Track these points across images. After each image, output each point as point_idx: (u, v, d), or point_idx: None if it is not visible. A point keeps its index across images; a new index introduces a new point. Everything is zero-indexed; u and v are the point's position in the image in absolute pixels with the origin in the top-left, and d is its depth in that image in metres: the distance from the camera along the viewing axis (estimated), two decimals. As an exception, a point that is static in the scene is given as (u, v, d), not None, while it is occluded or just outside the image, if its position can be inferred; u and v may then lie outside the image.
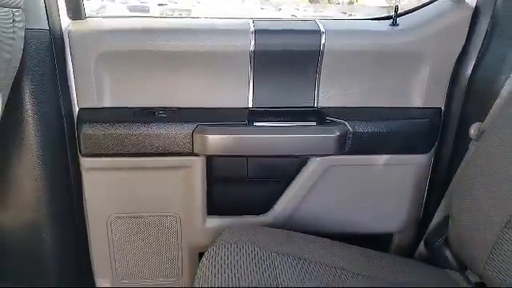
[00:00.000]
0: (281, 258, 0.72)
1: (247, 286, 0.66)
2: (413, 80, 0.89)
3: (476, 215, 0.70)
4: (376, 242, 0.91)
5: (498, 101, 0.77)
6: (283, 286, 0.67)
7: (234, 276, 0.67)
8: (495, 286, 0.66)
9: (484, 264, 0.67)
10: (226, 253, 0.72)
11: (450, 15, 0.86)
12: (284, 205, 0.92)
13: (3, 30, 0.58)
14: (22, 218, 0.86)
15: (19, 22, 0.63)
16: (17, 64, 0.67)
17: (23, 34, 0.66)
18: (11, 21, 0.60)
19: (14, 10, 0.60)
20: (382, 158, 0.90)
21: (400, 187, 0.94)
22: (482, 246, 0.68)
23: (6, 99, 0.69)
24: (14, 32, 0.61)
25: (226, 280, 0.66)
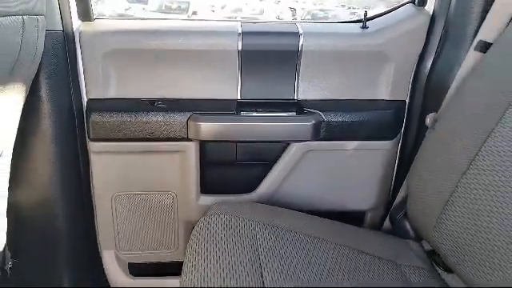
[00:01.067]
0: (263, 228, 0.85)
1: (231, 251, 0.77)
2: (380, 76, 1.02)
3: (428, 190, 0.84)
4: (350, 218, 1.04)
5: (449, 94, 0.90)
6: (264, 252, 0.79)
7: (220, 242, 0.79)
8: (442, 252, 0.79)
9: (432, 232, 0.81)
10: (214, 224, 0.84)
11: (412, 21, 0.99)
12: (268, 185, 1.05)
13: (29, 34, 0.70)
14: (36, 195, 0.97)
15: (42, 26, 0.75)
16: (38, 60, 0.79)
17: (44, 36, 0.78)
18: (36, 26, 0.72)
19: (38, 16, 0.72)
20: (353, 144, 1.03)
21: (370, 170, 1.07)
22: (431, 216, 0.81)
23: (28, 90, 0.81)
24: (37, 36, 0.73)
25: (214, 248, 0.77)
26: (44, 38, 0.78)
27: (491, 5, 0.85)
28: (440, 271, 0.87)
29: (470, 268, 0.69)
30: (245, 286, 0.68)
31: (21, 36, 0.67)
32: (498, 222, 0.65)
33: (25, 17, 0.67)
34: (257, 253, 0.77)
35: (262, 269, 0.73)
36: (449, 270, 0.84)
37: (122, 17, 1.10)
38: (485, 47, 0.84)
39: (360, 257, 0.83)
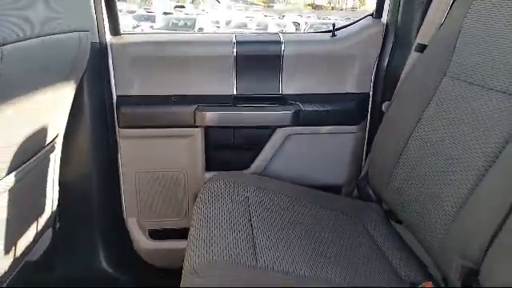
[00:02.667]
0: (254, 190, 1.09)
1: (227, 212, 0.98)
2: (347, 74, 1.27)
3: (381, 158, 1.09)
4: (328, 192, 1.29)
5: (398, 85, 1.16)
6: (254, 210, 1.02)
7: (217, 204, 0.99)
8: (393, 207, 1.03)
9: (385, 191, 1.05)
10: (214, 189, 1.08)
11: (370, 29, 1.25)
12: (259, 162, 1.30)
13: (83, 46, 0.98)
14: (78, 170, 1.24)
15: (89, 39, 1.02)
16: (85, 65, 1.06)
17: (89, 47, 1.05)
18: (86, 40, 0.99)
19: (86, 32, 1.00)
20: (327, 129, 1.28)
21: (342, 150, 1.32)
22: (384, 179, 1.05)
23: (76, 87, 1.08)
24: (86, 47, 1.00)
25: (213, 210, 0.97)
26: (89, 48, 1.06)
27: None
28: (394, 224, 1.10)
29: (415, 219, 0.90)
30: (238, 240, 0.89)
31: (78, 47, 0.95)
32: (436, 180, 0.86)
33: (81, 33, 0.94)
34: (248, 210, 1.01)
35: (252, 223, 0.96)
36: (400, 222, 1.08)
37: (142, 32, 1.37)
38: (422, 48, 1.10)
39: (333, 214, 1.07)
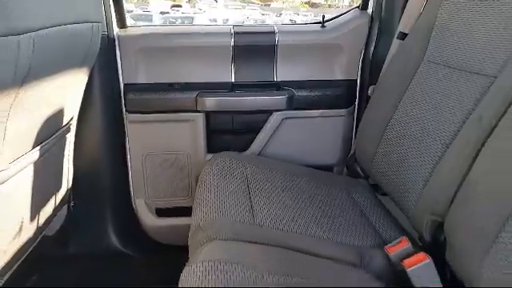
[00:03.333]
0: (252, 167, 1.19)
1: (227, 188, 1.08)
2: (336, 62, 1.38)
3: (366, 136, 1.19)
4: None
5: (382, 70, 1.26)
6: (253, 184, 1.13)
7: (218, 181, 1.09)
8: (378, 181, 1.13)
9: (371, 167, 1.15)
10: (215, 168, 1.18)
11: (357, 20, 1.36)
12: (256, 145, 1.41)
13: (94, 36, 1.08)
14: (89, 153, 1.34)
15: (97, 31, 1.12)
16: (96, 54, 1.17)
17: (100, 38, 1.16)
18: (97, 30, 1.10)
19: (99, 24, 1.10)
20: (319, 112, 1.39)
21: (333, 132, 1.43)
22: (369, 155, 1.16)
23: (88, 75, 1.18)
24: (98, 37, 1.11)
25: (214, 187, 1.06)
26: (100, 39, 1.16)
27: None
28: (379, 196, 1.21)
29: (395, 188, 1.01)
30: (237, 204, 0.99)
31: (91, 37, 1.05)
32: (412, 152, 0.96)
33: (94, 24, 1.05)
34: (246, 183, 1.12)
35: (249, 191, 1.07)
36: (385, 195, 1.18)
37: (147, 25, 1.48)
38: (403, 36, 1.21)
39: (325, 187, 1.17)
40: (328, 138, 1.43)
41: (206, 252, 0.74)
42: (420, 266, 0.80)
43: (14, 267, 1.00)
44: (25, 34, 0.71)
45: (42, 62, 0.81)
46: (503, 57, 0.81)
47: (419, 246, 0.88)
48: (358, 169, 1.30)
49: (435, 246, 0.82)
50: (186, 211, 1.44)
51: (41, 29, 0.77)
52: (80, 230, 1.40)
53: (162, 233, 1.47)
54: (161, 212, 1.47)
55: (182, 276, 0.71)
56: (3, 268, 0.92)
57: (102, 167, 1.37)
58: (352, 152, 1.37)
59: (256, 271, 0.70)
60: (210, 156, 1.40)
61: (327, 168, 1.47)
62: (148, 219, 1.46)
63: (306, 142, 1.43)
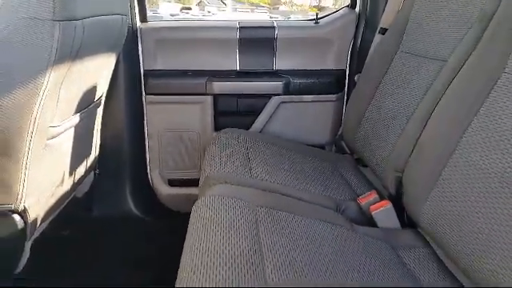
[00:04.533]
0: (252, 141, 1.40)
1: (229, 159, 1.28)
2: (327, 53, 1.59)
3: (351, 117, 1.40)
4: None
5: (366, 61, 1.47)
6: (253, 155, 1.33)
7: (221, 153, 1.29)
8: (359, 154, 1.33)
9: (353, 141, 1.36)
10: (219, 142, 1.38)
11: (346, 18, 1.57)
12: (257, 125, 1.62)
13: (123, 27, 1.30)
14: (113, 129, 1.56)
15: (125, 23, 1.34)
16: (122, 43, 1.39)
17: (126, 29, 1.38)
18: (125, 22, 1.32)
19: (126, 16, 1.32)
20: (311, 97, 1.59)
21: (324, 115, 1.63)
22: (352, 133, 1.36)
23: (114, 63, 1.40)
24: (120, 30, 1.32)
25: (217, 158, 1.24)
26: (126, 30, 1.38)
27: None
28: (361, 168, 1.41)
29: (370, 156, 1.21)
30: (237, 166, 1.20)
31: (120, 27, 1.27)
32: (383, 126, 1.17)
33: (123, 16, 1.27)
34: (247, 153, 1.32)
35: (249, 157, 1.27)
36: (365, 166, 1.38)
37: (164, 20, 1.70)
38: (384, 31, 1.41)
39: (315, 160, 1.36)
40: (320, 120, 1.64)
41: (212, 191, 0.95)
42: (382, 210, 1.00)
43: (54, 215, 1.22)
44: (78, 21, 0.93)
45: (87, 44, 1.03)
46: (453, 42, 1.01)
47: (385, 197, 1.08)
48: (344, 146, 1.50)
49: (396, 196, 1.02)
50: (194, 182, 1.64)
51: (88, 17, 0.98)
52: (102, 195, 1.61)
53: (173, 201, 1.68)
54: (173, 182, 1.68)
55: (194, 207, 0.92)
56: (47, 211, 1.13)
57: (123, 141, 1.59)
58: (339, 132, 1.57)
59: (250, 204, 0.90)
60: (216, 133, 1.61)
61: (319, 147, 1.67)
62: (161, 188, 1.67)
63: (300, 123, 1.63)
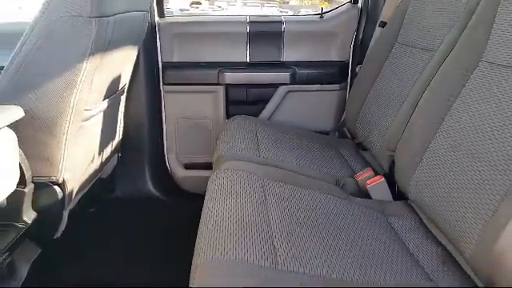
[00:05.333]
0: (261, 126, 1.53)
1: (239, 142, 1.42)
2: (331, 46, 1.71)
3: (353, 104, 1.51)
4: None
5: (367, 53, 1.58)
6: (261, 139, 1.46)
7: (232, 137, 1.43)
8: (360, 138, 1.46)
9: (354, 127, 1.48)
10: (231, 127, 1.51)
11: (349, 12, 1.68)
12: (266, 112, 1.75)
13: (145, 23, 1.44)
14: (134, 116, 1.70)
15: (146, 18, 1.48)
16: (142, 37, 1.52)
17: (147, 24, 1.51)
18: (147, 18, 1.45)
19: (145, 12, 1.46)
20: (316, 87, 1.72)
21: (329, 103, 1.76)
22: (354, 119, 1.48)
23: (136, 55, 1.54)
24: (141, 25, 1.46)
25: (228, 141, 1.37)
26: (147, 25, 1.52)
27: (386, 0, 1.54)
28: (361, 151, 1.53)
29: (368, 140, 1.33)
30: (248, 155, 1.32)
31: (142, 22, 1.41)
32: (381, 111, 1.29)
33: (144, 13, 1.41)
34: (256, 137, 1.45)
35: (257, 139, 1.40)
36: (365, 149, 1.50)
37: (180, 15, 1.84)
38: (383, 24, 1.52)
39: (319, 145, 1.47)
40: (324, 108, 1.76)
41: (225, 165, 1.09)
42: (376, 184, 1.13)
43: (84, 191, 1.37)
44: (110, 17, 1.07)
45: (115, 38, 1.17)
46: (442, 34, 1.12)
47: (380, 173, 1.21)
48: (346, 131, 1.63)
49: (389, 172, 1.15)
50: (208, 166, 1.78)
51: (117, 14, 1.12)
52: (124, 177, 1.76)
53: (188, 182, 1.83)
54: (188, 166, 1.82)
55: (210, 180, 1.05)
56: (80, 186, 1.29)
57: (143, 128, 1.74)
58: (342, 119, 1.70)
59: (259, 177, 1.04)
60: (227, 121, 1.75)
61: (323, 133, 1.79)
62: (177, 171, 1.82)
63: (306, 111, 1.76)
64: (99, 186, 1.58)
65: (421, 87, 1.10)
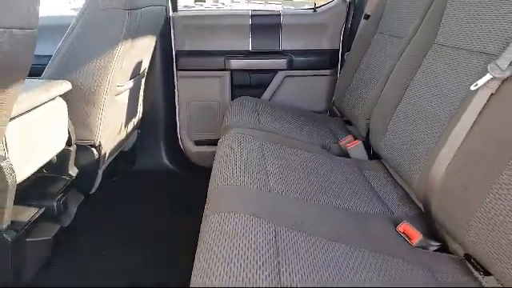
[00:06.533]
0: (263, 105, 1.78)
1: (241, 119, 1.69)
2: (323, 36, 1.95)
3: (340, 86, 1.76)
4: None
5: (353, 42, 1.83)
6: (263, 116, 1.72)
7: (238, 113, 1.70)
8: (347, 116, 1.71)
9: (342, 105, 1.72)
10: (236, 107, 1.77)
11: (339, 6, 1.92)
12: (266, 95, 2.00)
13: (157, 18, 1.69)
14: (150, 98, 1.96)
15: (164, 12, 1.73)
16: (159, 28, 1.77)
17: (163, 17, 1.76)
18: (160, 13, 1.70)
19: (162, 7, 1.71)
20: (310, 72, 1.96)
21: (321, 86, 2.00)
22: (341, 98, 1.73)
23: (153, 46, 1.79)
24: (159, 17, 1.71)
25: (235, 115, 1.68)
26: (164, 18, 1.76)
27: (370, -5, 1.78)
28: (348, 127, 1.77)
29: (353, 115, 1.58)
30: (250, 124, 1.59)
31: (160, 15, 1.66)
32: (362, 91, 1.55)
33: (162, 7, 1.66)
34: (257, 114, 1.70)
35: (259, 115, 1.65)
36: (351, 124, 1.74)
37: (191, 10, 2.08)
38: (367, 17, 1.76)
39: (311, 120, 1.71)
40: (317, 90, 2.01)
41: (231, 131, 1.34)
42: (354, 146, 1.38)
43: (113, 157, 1.63)
44: (138, 10, 1.32)
45: (140, 28, 1.42)
46: (409, 23, 1.36)
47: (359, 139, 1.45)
48: (336, 110, 1.87)
49: (366, 138, 1.39)
50: (214, 142, 2.03)
51: (143, 7, 1.37)
52: (143, 151, 2.02)
53: (198, 156, 2.08)
54: (198, 142, 2.08)
55: (219, 143, 1.30)
56: (111, 151, 1.54)
57: (159, 108, 1.99)
58: (333, 100, 1.94)
59: (259, 140, 1.28)
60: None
61: (319, 113, 2.04)
62: (189, 146, 2.08)
63: (301, 94, 2.01)
64: (122, 159, 1.84)
65: (390, 67, 1.34)
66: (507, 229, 0.69)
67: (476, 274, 0.78)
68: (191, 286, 0.65)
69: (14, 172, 0.92)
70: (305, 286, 0.65)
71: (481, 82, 0.82)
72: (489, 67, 0.81)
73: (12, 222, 1.01)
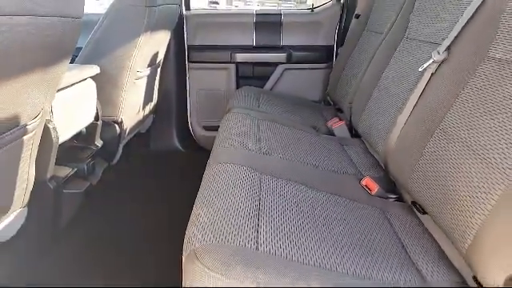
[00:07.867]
0: (262, 95, 2.01)
1: (249, 101, 1.93)
2: (320, 33, 2.17)
3: (333, 78, 1.98)
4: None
5: (345, 39, 2.04)
6: (263, 101, 1.94)
7: (242, 100, 1.94)
8: (340, 105, 1.93)
9: (335, 95, 1.95)
10: (240, 96, 2.01)
11: (333, 7, 2.15)
12: (268, 86, 2.23)
13: (172, 15, 1.93)
14: (165, 86, 2.20)
15: (178, 10, 1.97)
16: (174, 25, 2.02)
17: (178, 15, 2.01)
18: (175, 10, 1.95)
19: (177, 5, 1.95)
20: (308, 65, 2.19)
21: (317, 79, 2.22)
22: (334, 89, 1.95)
23: (168, 40, 2.04)
24: (174, 15, 1.95)
25: (238, 102, 1.91)
26: (178, 16, 2.01)
27: (360, -3, 1.99)
28: (339, 114, 1.99)
29: (343, 103, 1.80)
30: (250, 106, 1.82)
31: (175, 13, 1.90)
32: (351, 80, 1.77)
33: (177, 5, 1.90)
34: (258, 102, 1.93)
35: (259, 102, 1.88)
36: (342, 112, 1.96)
37: (201, 9, 2.33)
38: (358, 16, 1.98)
39: (306, 107, 1.95)
40: (313, 82, 2.23)
41: (234, 111, 1.57)
42: (338, 126, 1.60)
43: (131, 135, 1.88)
44: (157, 7, 1.56)
45: (158, 23, 1.66)
46: (388, 20, 1.57)
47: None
48: (329, 99, 2.09)
49: (350, 120, 1.61)
50: (221, 128, 2.27)
51: (161, 5, 1.62)
52: (157, 134, 2.27)
53: (206, 140, 2.32)
54: (206, 127, 2.32)
55: (224, 118, 1.54)
56: (130, 129, 1.79)
57: (172, 96, 2.24)
58: (327, 91, 2.16)
59: (257, 119, 1.51)
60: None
61: (315, 103, 2.26)
62: (198, 131, 2.32)
63: (299, 85, 2.23)
64: (138, 141, 2.09)
65: (370, 58, 1.56)
66: (438, 178, 0.90)
67: (417, 213, 1.00)
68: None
69: (57, 133, 1.17)
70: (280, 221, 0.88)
71: (425, 64, 1.04)
72: (432, 53, 1.02)
73: (52, 177, 1.25)
